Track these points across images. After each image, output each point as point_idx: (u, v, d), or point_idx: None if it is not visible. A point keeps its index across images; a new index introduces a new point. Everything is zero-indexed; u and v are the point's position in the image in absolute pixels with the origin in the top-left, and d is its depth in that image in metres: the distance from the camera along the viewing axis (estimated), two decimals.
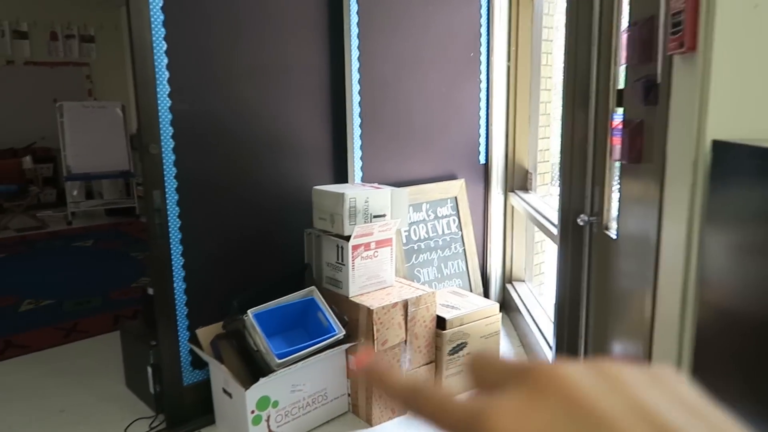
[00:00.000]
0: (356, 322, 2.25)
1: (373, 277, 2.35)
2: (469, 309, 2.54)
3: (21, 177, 6.14)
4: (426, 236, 2.90)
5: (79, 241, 5.47)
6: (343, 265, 2.27)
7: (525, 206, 2.99)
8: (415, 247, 2.85)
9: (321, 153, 2.55)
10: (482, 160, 3.22)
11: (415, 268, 2.83)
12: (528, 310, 3.09)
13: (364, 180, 2.68)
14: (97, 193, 6.69)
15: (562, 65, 2.25)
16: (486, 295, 3.33)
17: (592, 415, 0.22)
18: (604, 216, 2.12)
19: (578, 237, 2.25)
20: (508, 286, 3.42)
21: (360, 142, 2.64)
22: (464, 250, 3.07)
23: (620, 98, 1.96)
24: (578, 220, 2.18)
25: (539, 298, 3.24)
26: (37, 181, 6.42)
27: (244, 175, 2.37)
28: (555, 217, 2.67)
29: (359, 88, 2.62)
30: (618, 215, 1.95)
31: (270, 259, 2.47)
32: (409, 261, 2.81)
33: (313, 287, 2.28)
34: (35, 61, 7.02)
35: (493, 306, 2.62)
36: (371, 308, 2.19)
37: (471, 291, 3.09)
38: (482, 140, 3.20)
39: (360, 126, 2.63)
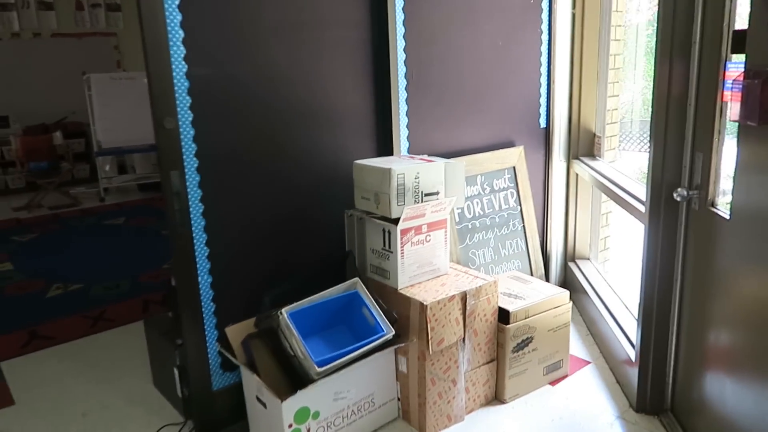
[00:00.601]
0: (407, 319, 1.94)
1: (426, 265, 2.02)
2: (536, 298, 2.20)
3: (52, 153, 5.99)
4: (481, 213, 2.55)
5: (111, 218, 5.30)
6: (391, 252, 1.95)
7: (593, 174, 2.60)
8: (470, 226, 2.51)
9: (362, 121, 2.21)
10: (543, 124, 2.83)
11: (469, 250, 2.49)
12: (597, 293, 2.73)
13: (410, 151, 2.33)
14: (130, 167, 6.51)
15: (657, 2, 1.84)
16: (547, 276, 2.98)
17: None
18: (709, 190, 1.73)
19: (672, 215, 1.87)
20: (571, 265, 3.05)
21: (406, 108, 2.29)
22: (524, 227, 2.71)
23: (739, 42, 1.55)
24: (674, 195, 1.80)
25: (607, 278, 2.87)
26: (69, 157, 6.27)
27: (275, 150, 2.05)
28: (633, 188, 2.28)
29: (404, 44, 2.25)
30: (733, 189, 1.57)
31: (306, 247, 2.16)
32: (463, 242, 2.47)
33: (356, 279, 1.98)
34: (62, 33, 6.81)
35: (562, 294, 2.27)
36: (424, 303, 1.88)
37: (532, 274, 2.73)
38: (543, 101, 2.80)
39: (405, 89, 2.27)
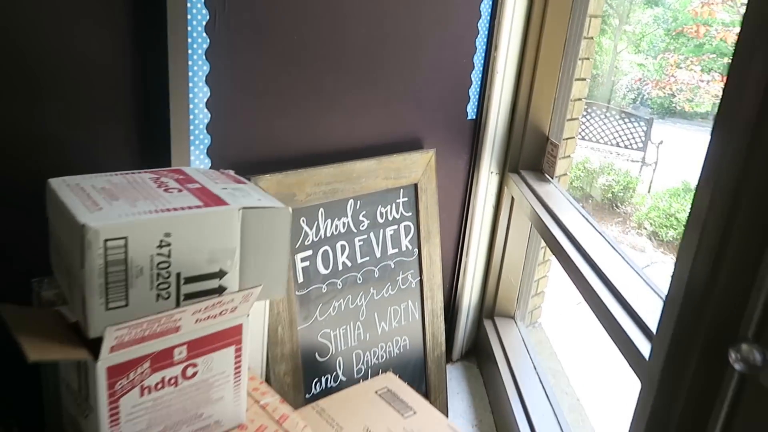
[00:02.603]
0: None
1: (187, 422, 0.94)
2: None
3: None
4: (348, 265, 1.48)
5: None
6: (90, 406, 0.85)
7: (536, 208, 1.58)
8: (323, 289, 1.43)
9: (107, 88, 1.05)
10: (471, 114, 1.77)
11: (319, 331, 1.43)
12: (510, 365, 1.79)
13: (214, 155, 1.20)
14: None
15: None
16: (450, 343, 1.99)
17: None
18: None
19: (710, 383, 0.89)
20: (487, 323, 2.07)
21: (207, 68, 1.14)
22: (421, 281, 1.67)
23: None
24: (730, 356, 0.81)
25: (531, 347, 1.93)
26: None
27: None
28: (618, 274, 1.25)
29: None
30: None
31: None
32: (308, 319, 1.40)
33: None
34: None
35: None
36: None
37: (426, 356, 1.72)
38: (475, 78, 1.73)
39: (205, 29, 1.12)
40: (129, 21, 1.04)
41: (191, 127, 1.14)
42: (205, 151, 1.19)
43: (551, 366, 2.25)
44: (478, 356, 2.09)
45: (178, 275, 0.87)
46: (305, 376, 1.40)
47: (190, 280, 0.88)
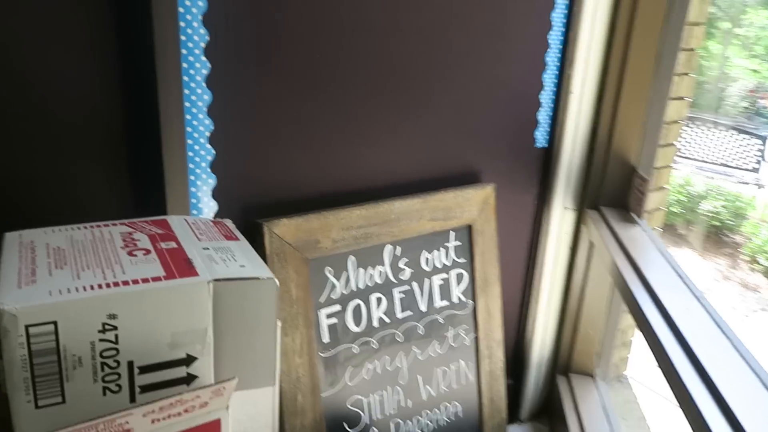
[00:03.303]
0: None
1: None
2: None
3: None
4: (387, 320, 1.27)
5: None
6: None
7: (616, 254, 1.29)
8: (356, 350, 1.22)
9: (90, 123, 0.91)
10: (540, 141, 1.51)
11: (349, 398, 1.22)
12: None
13: (220, 196, 1.03)
14: None
15: None
16: (516, 399, 1.72)
17: None
18: None
19: None
20: (560, 381, 1.78)
21: (208, 97, 0.97)
22: (476, 338, 1.43)
23: None
24: None
25: (620, 415, 1.61)
26: None
27: None
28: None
29: None
30: None
31: None
32: (335, 384, 1.20)
33: None
34: None
35: None
36: None
37: (482, 427, 1.46)
38: (546, 99, 1.47)
39: (204, 51, 0.95)
40: (110, 48, 0.89)
41: (191, 166, 0.98)
42: (210, 193, 1.02)
43: None
44: (551, 417, 1.81)
45: (131, 364, 0.69)
46: None
47: (147, 369, 0.70)
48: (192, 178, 0.99)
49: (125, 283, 0.68)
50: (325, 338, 1.17)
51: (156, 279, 0.69)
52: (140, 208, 0.97)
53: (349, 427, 1.23)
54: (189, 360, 0.73)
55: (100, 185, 0.93)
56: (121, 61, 0.90)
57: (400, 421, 1.31)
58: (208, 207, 1.03)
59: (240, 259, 0.78)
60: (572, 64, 1.44)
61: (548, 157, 1.53)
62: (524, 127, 1.46)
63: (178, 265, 0.73)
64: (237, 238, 0.85)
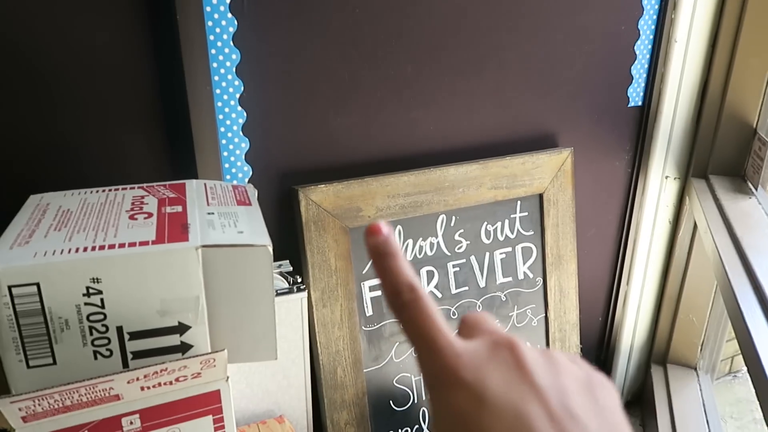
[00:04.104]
0: None
1: None
2: None
3: None
4: (439, 295, 1.18)
5: None
6: None
7: (718, 237, 1.09)
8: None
9: (121, 85, 0.91)
10: (634, 100, 1.31)
11: (395, 375, 1.16)
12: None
13: (254, 160, 1.00)
14: None
15: None
16: None
17: (524, 373, 0.27)
18: None
19: None
20: (655, 370, 1.59)
21: (237, 56, 0.93)
22: (546, 318, 1.29)
23: None
24: None
25: (728, 414, 1.41)
26: None
27: None
28: None
29: None
30: None
31: None
32: (380, 359, 1.14)
33: None
34: None
35: None
36: None
37: None
38: (641, 50, 1.26)
39: (233, 7, 0.90)
40: (135, 12, 0.87)
41: (222, 130, 0.95)
42: (243, 157, 0.99)
43: None
44: (644, 408, 1.63)
45: (119, 329, 0.68)
46: (376, 427, 1.15)
47: (137, 335, 0.69)
48: (223, 141, 0.96)
49: (111, 246, 0.66)
50: (369, 311, 1.11)
51: (143, 243, 0.67)
52: (176, 171, 0.96)
53: (396, 406, 1.17)
54: (182, 328, 0.70)
55: (141, 149, 0.94)
56: (151, 27, 0.88)
57: None
58: (243, 172, 1.00)
59: (242, 225, 0.74)
60: (676, 6, 1.22)
61: (644, 118, 1.33)
62: (614, 83, 1.27)
63: (173, 229, 0.71)
64: (249, 203, 0.80)
